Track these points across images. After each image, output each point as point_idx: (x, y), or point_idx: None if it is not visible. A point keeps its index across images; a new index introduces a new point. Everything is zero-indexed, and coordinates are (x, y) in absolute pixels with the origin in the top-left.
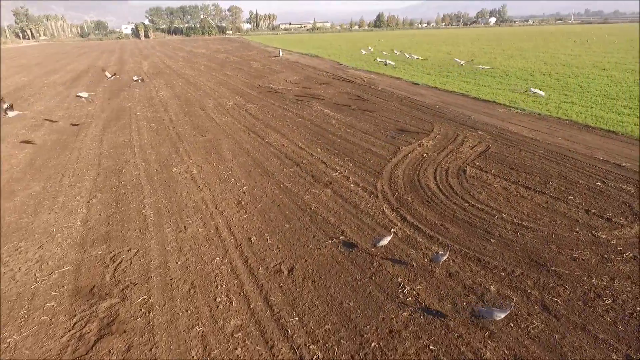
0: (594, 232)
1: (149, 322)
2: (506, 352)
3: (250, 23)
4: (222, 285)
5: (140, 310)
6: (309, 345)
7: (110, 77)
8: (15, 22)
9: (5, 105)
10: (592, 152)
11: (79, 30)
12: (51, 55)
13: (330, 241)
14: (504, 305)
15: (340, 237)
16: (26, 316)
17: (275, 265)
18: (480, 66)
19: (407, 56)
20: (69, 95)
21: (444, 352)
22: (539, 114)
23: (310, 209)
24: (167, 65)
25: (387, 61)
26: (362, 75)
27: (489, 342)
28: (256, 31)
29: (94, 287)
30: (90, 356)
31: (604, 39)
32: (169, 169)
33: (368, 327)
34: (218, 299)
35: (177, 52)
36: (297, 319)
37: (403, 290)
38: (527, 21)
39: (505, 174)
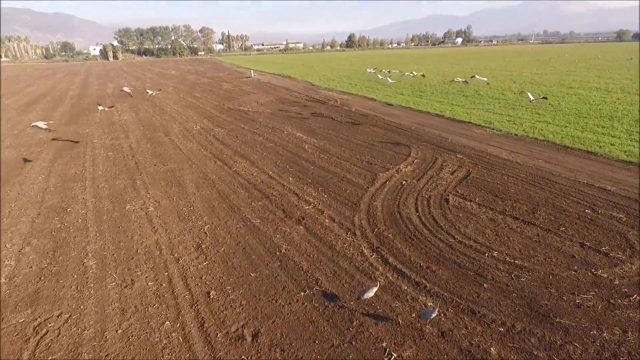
0: (593, 270)
1: None
2: None
3: (222, 44)
4: None
5: None
6: None
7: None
8: None
9: None
10: (575, 175)
11: (43, 51)
12: (9, 78)
13: (302, 293)
14: None
15: (315, 288)
16: None
17: (237, 329)
18: (478, 77)
19: (407, 74)
20: (21, 121)
21: None
22: (516, 135)
23: (280, 252)
24: (134, 88)
25: (389, 79)
26: (335, 96)
27: None
28: (228, 52)
29: None
30: None
31: (564, 58)
32: (122, 206)
33: None
34: None
35: (145, 73)
36: None
37: (390, 359)
38: (491, 41)
39: (490, 202)
